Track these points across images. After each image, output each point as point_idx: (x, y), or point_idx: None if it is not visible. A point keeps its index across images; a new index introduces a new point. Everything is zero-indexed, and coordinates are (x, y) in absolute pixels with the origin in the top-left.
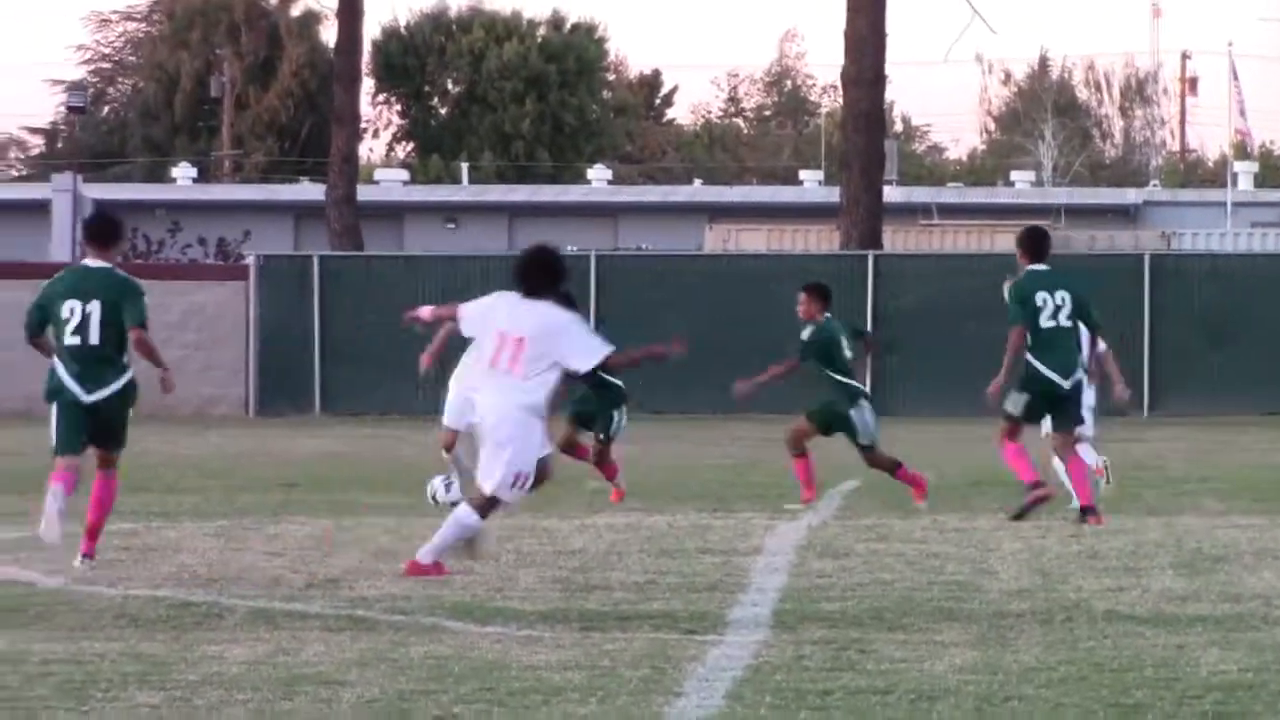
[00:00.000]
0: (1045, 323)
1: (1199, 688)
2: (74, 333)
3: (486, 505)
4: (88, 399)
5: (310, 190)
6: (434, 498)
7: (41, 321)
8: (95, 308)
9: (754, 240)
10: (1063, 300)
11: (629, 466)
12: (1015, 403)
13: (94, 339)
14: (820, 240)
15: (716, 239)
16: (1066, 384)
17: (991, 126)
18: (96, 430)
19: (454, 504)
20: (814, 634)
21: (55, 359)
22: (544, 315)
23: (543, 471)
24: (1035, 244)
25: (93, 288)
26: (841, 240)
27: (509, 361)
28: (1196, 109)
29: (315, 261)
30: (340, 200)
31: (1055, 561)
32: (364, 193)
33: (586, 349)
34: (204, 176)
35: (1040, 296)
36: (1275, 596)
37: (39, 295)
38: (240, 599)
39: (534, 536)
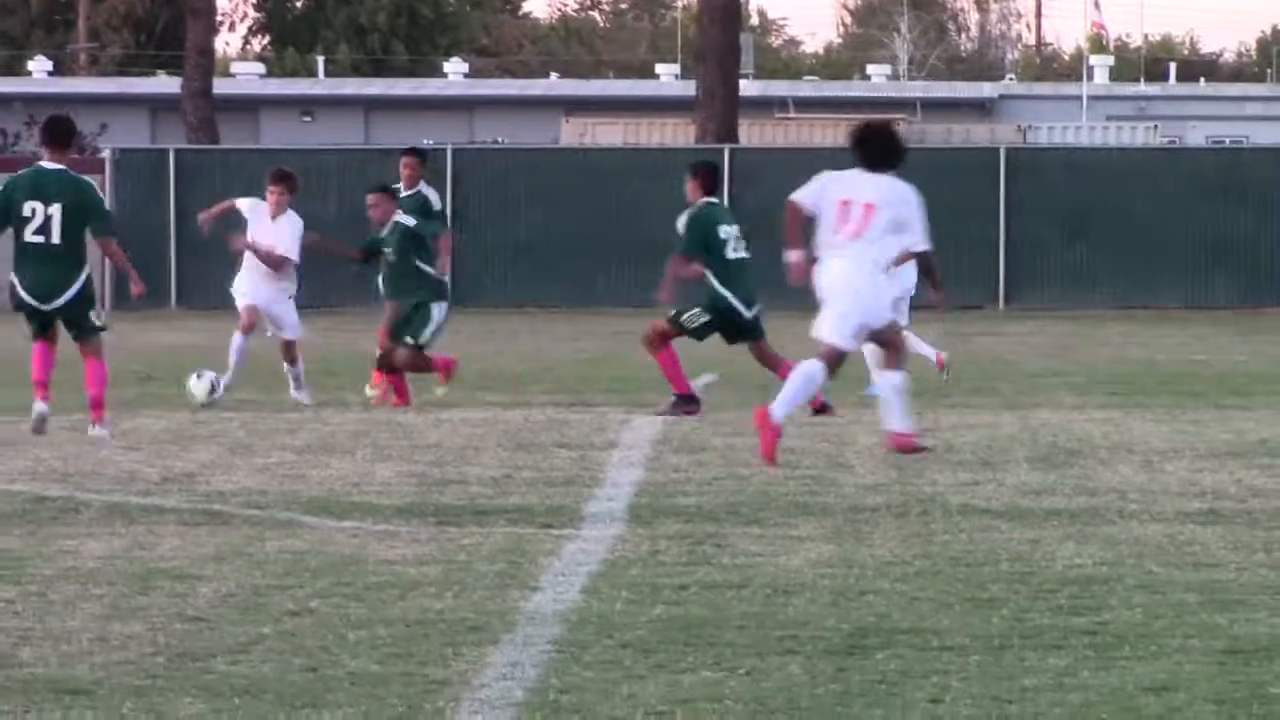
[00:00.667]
0: (730, 254)
1: (1054, 581)
2: (36, 233)
3: (833, 357)
4: (46, 308)
5: (166, 84)
6: (201, 393)
7: (4, 220)
8: (56, 210)
9: (610, 134)
10: (742, 232)
11: (488, 361)
12: (694, 318)
13: (55, 239)
14: (677, 133)
15: (573, 132)
16: (749, 313)
17: (848, 20)
18: (65, 326)
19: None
20: (670, 528)
21: (12, 272)
22: (890, 186)
23: (891, 340)
24: (710, 177)
25: (54, 190)
26: (697, 134)
27: (857, 226)
28: (1052, 2)
29: (171, 155)
30: (196, 93)
31: (909, 456)
32: (220, 86)
33: (924, 229)
34: (60, 70)
35: (723, 230)
36: (1130, 490)
37: (2, 194)
38: (96, 494)
39: (390, 431)
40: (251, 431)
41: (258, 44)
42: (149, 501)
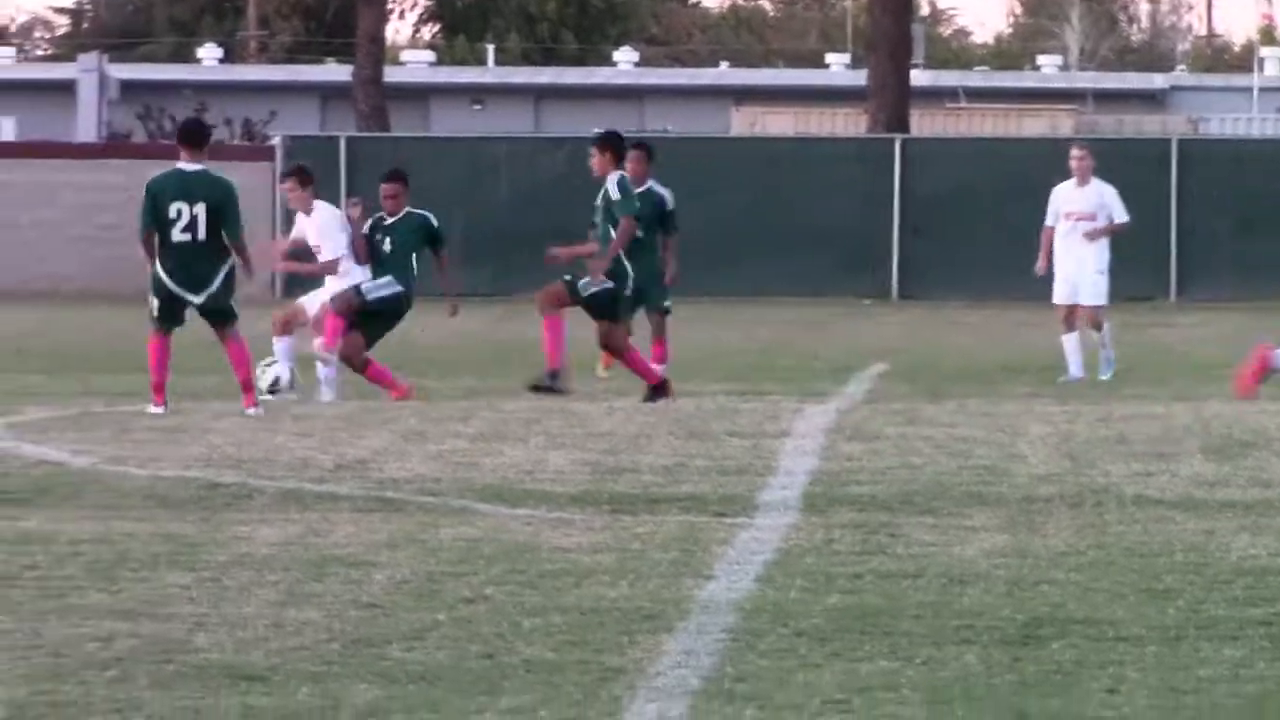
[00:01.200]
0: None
1: (1229, 572)
2: (183, 231)
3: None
4: (197, 299)
5: (337, 71)
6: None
7: (153, 221)
8: (201, 209)
9: (780, 123)
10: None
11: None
12: (586, 287)
13: (201, 236)
14: (847, 123)
15: (743, 122)
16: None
17: (1018, 10)
18: (205, 317)
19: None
20: (843, 517)
21: (156, 262)
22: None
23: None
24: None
25: (199, 191)
26: (869, 124)
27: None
28: None
29: (342, 142)
30: (367, 81)
31: (1083, 446)
32: (390, 74)
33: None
34: (230, 57)
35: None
36: None
37: (146, 196)
38: (269, 480)
39: (563, 419)
40: (424, 419)
41: (428, 32)
42: (323, 488)
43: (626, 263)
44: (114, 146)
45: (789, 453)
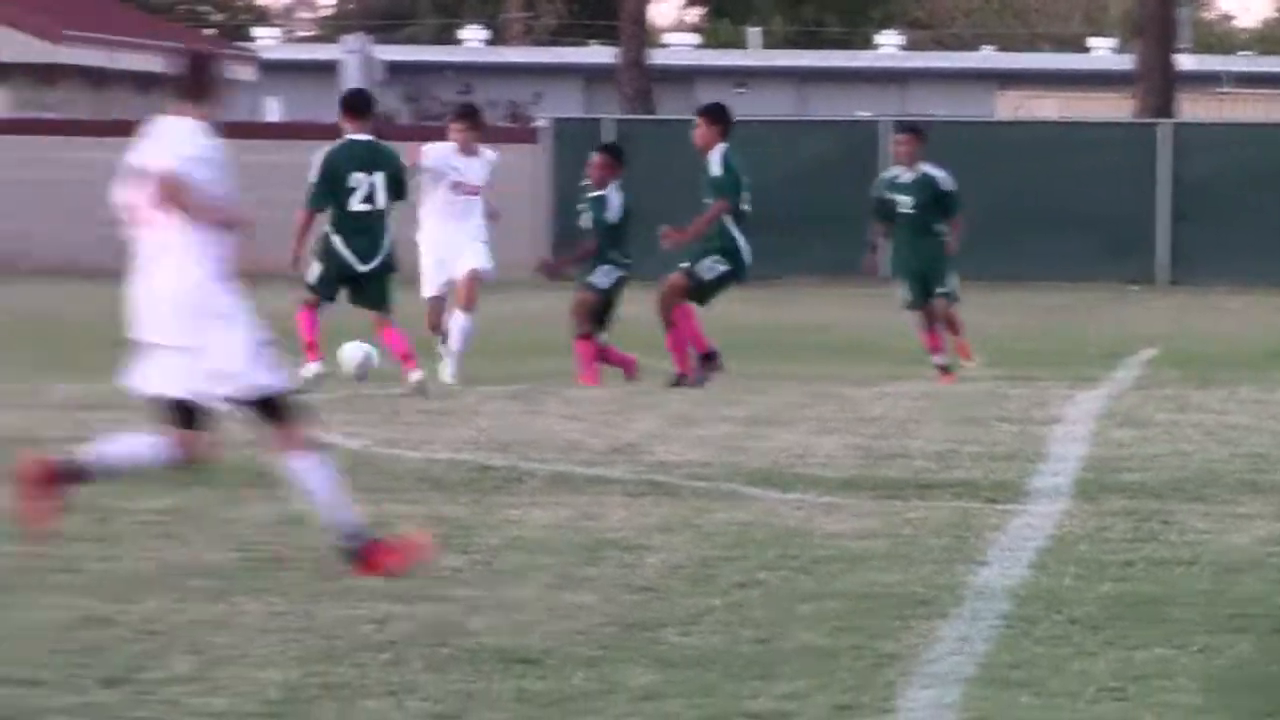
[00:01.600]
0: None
1: None
2: (363, 201)
3: None
4: (363, 268)
5: (600, 53)
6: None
7: (330, 193)
8: (379, 178)
9: (1045, 108)
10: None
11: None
12: (710, 269)
13: (380, 204)
14: (1112, 108)
15: (1008, 106)
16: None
17: None
18: (360, 292)
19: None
20: (1115, 504)
21: (329, 227)
22: None
23: None
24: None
25: (375, 159)
26: (1136, 108)
27: None
28: None
29: (607, 125)
30: (631, 64)
31: None
32: (654, 56)
33: None
34: (495, 39)
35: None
36: None
37: (323, 168)
38: (540, 463)
39: (834, 403)
40: (693, 402)
41: (693, 14)
42: (593, 472)
43: (739, 242)
44: (380, 128)
45: (1059, 439)
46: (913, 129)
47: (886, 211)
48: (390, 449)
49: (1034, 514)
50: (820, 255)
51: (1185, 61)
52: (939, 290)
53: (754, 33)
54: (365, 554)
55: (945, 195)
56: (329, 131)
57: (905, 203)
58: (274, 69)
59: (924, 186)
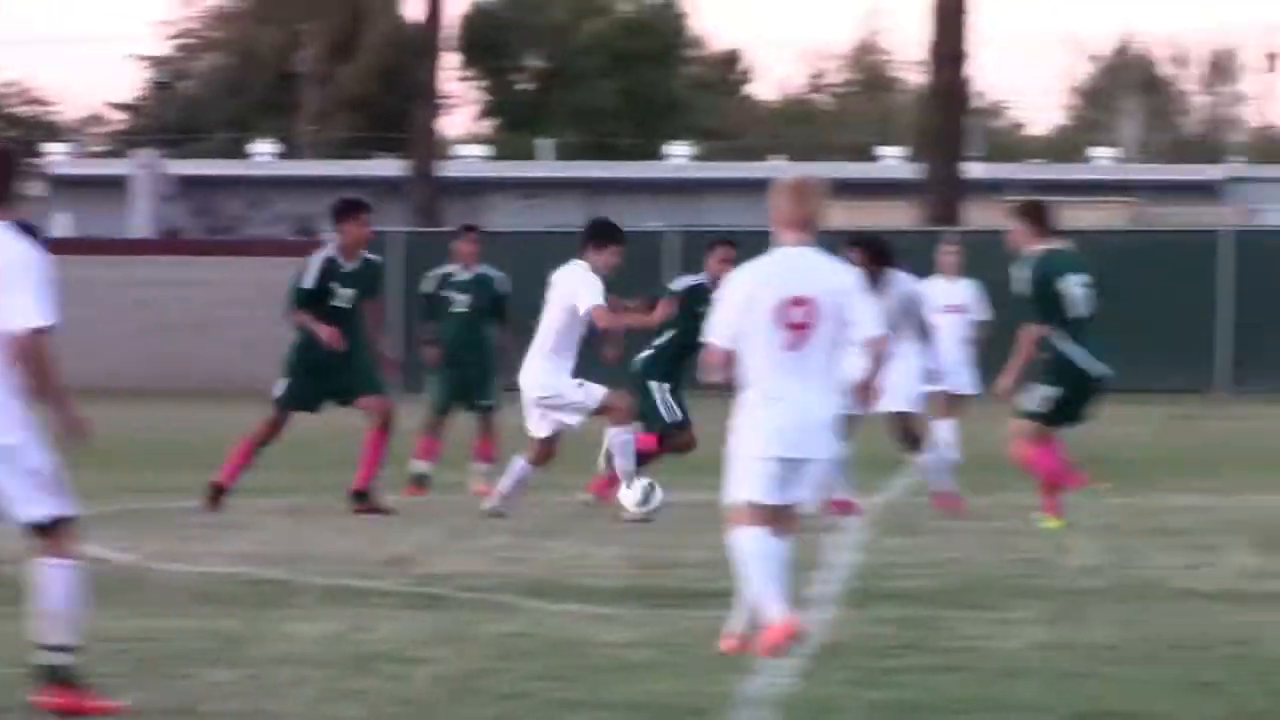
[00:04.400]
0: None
1: (1274, 665)
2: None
3: None
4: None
5: (390, 166)
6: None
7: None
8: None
9: (833, 217)
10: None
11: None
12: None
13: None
14: (900, 217)
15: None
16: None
17: (1073, 103)
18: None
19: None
20: (886, 611)
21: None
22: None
23: None
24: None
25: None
26: (924, 216)
27: None
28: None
29: (395, 238)
30: (420, 175)
31: (1127, 538)
32: (444, 168)
33: None
34: (290, 153)
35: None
36: None
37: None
38: (314, 576)
39: (606, 514)
40: (470, 515)
41: (484, 127)
42: (366, 584)
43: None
44: (169, 243)
45: (832, 547)
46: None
47: None
48: (166, 563)
49: (804, 622)
50: None
51: (974, 170)
52: (485, 404)
53: (545, 144)
54: (64, 687)
55: (500, 299)
56: (120, 247)
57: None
58: (65, 184)
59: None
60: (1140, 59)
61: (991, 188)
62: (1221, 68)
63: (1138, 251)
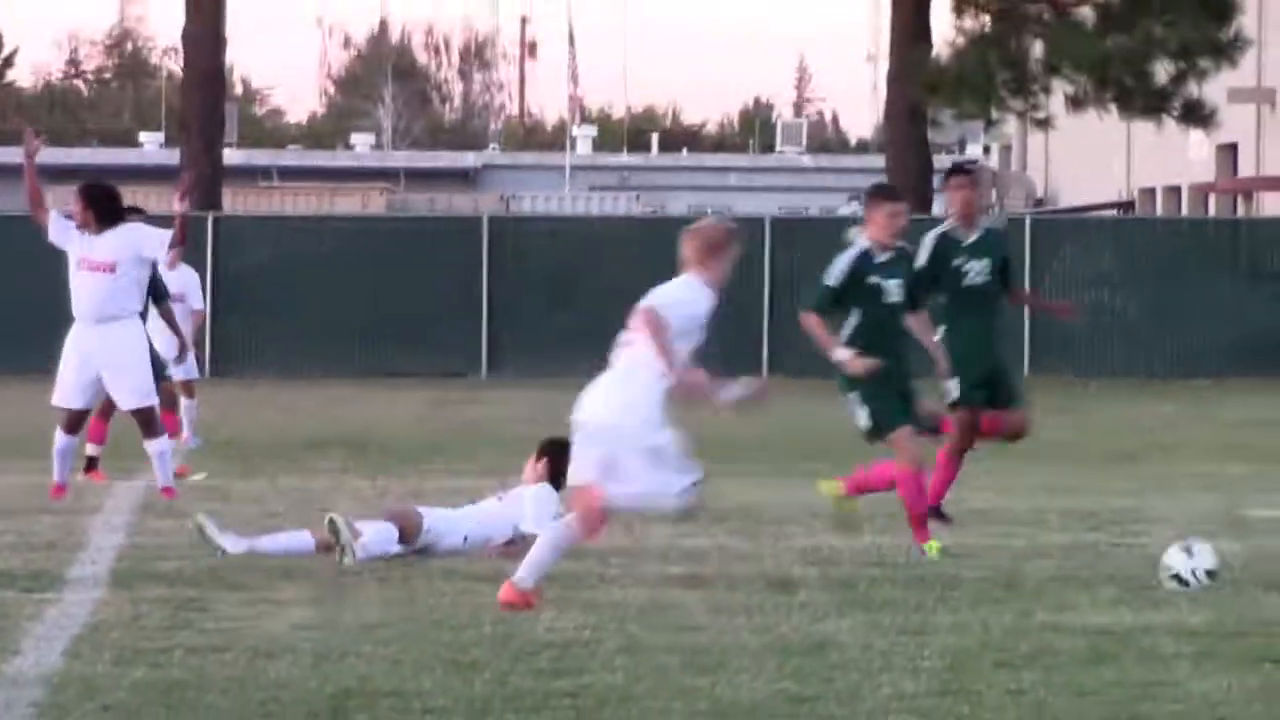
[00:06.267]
0: None
1: (535, 645)
2: None
3: None
4: None
5: None
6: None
7: None
8: None
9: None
10: None
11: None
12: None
13: None
14: (160, 202)
15: (60, 201)
16: None
17: (331, 90)
18: None
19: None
20: (152, 592)
21: None
22: None
23: None
24: None
25: None
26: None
27: None
28: (537, 73)
29: None
30: None
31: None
32: None
33: None
34: None
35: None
36: (612, 555)
37: None
38: None
39: None
40: None
41: None
42: None
43: None
44: None
45: (99, 529)
46: None
47: None
48: None
49: (70, 602)
50: None
51: (233, 156)
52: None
53: None
54: None
55: None
56: None
57: None
58: None
59: None
60: (398, 46)
61: (251, 173)
62: (478, 55)
63: (395, 237)
